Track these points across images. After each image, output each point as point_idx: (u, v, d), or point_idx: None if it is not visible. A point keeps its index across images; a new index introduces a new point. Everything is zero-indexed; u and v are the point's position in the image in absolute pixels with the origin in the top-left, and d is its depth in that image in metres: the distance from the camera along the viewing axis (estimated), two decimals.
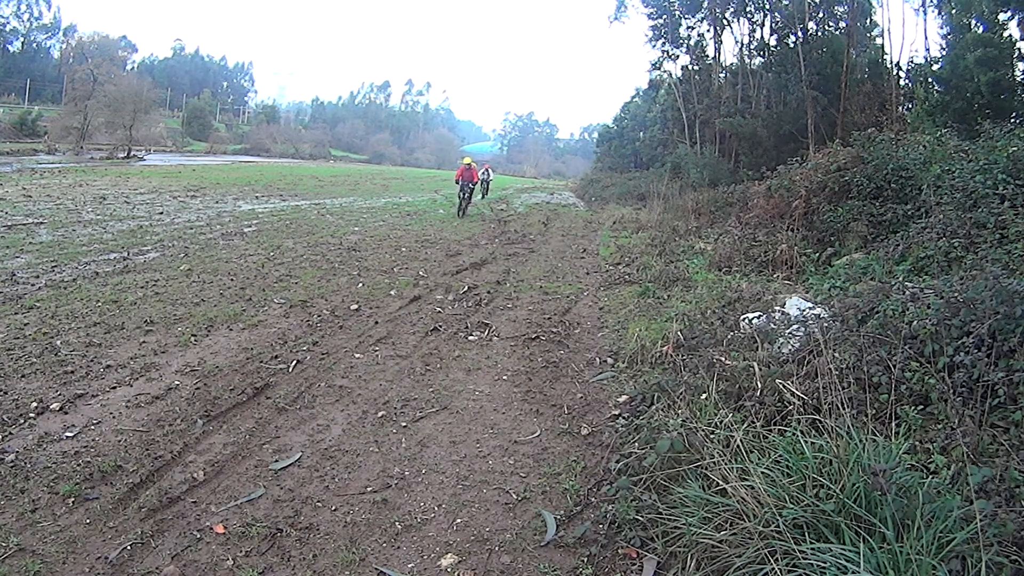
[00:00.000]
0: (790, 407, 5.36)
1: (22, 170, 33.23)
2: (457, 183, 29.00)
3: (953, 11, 28.22)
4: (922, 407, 5.20)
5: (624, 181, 48.39)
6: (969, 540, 3.60)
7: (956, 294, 6.04)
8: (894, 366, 5.48)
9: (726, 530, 4.12)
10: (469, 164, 29.38)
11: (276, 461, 5.90)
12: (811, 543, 3.76)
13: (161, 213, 20.81)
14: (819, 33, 36.30)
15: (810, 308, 7.63)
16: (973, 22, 26.47)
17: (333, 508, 5.21)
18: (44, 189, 24.58)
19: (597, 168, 71.25)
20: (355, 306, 11.10)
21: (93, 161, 46.96)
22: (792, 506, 3.97)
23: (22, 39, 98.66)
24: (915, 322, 5.91)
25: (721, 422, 5.14)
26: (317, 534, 4.86)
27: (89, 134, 55.91)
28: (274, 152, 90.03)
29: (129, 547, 4.56)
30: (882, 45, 35.33)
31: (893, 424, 4.84)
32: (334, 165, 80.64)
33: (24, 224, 16.43)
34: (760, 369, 6.07)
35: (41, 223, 16.83)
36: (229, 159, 70.05)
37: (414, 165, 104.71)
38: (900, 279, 8.33)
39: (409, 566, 4.57)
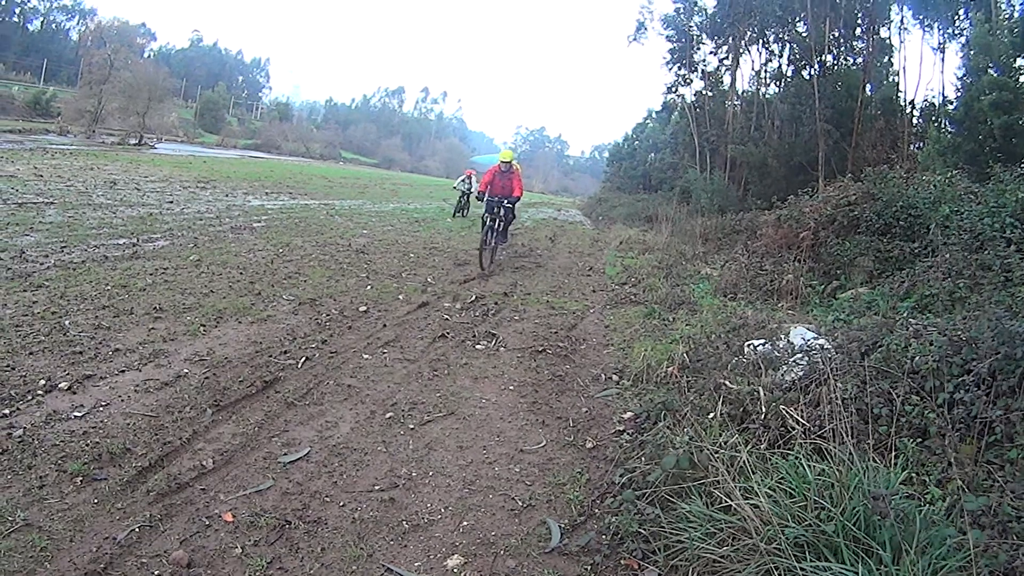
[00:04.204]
0: (793, 432, 5.43)
1: (34, 149, 33.22)
2: (483, 199, 17.62)
3: (971, 53, 28.27)
4: (920, 440, 5.26)
5: (632, 202, 48.43)
6: (962, 567, 3.70)
7: (959, 332, 6.10)
8: (895, 399, 5.55)
9: (728, 546, 4.19)
10: (510, 163, 17.82)
11: (285, 454, 5.96)
12: (811, 562, 3.84)
13: (171, 202, 20.86)
14: (836, 67, 36.36)
15: (814, 338, 7.67)
16: (990, 66, 26.51)
17: (341, 504, 5.27)
18: (55, 170, 24.60)
19: (606, 188, 71.19)
20: (364, 308, 11.15)
21: (104, 146, 46.95)
22: (794, 525, 4.06)
23: (42, 19, 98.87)
24: (917, 358, 5.97)
25: (726, 442, 5.23)
26: (325, 528, 4.92)
27: (102, 118, 55.96)
28: (285, 150, 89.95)
29: (137, 529, 4.59)
30: (897, 83, 35.38)
31: (892, 455, 4.90)
32: (344, 167, 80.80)
33: (35, 203, 16.49)
34: (765, 394, 6.14)
35: (51, 203, 16.88)
36: (239, 153, 70.04)
37: (423, 172, 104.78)
38: (904, 315, 8.40)
39: (416, 564, 4.62)
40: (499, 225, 17.67)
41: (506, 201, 17.59)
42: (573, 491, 5.76)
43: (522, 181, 18.53)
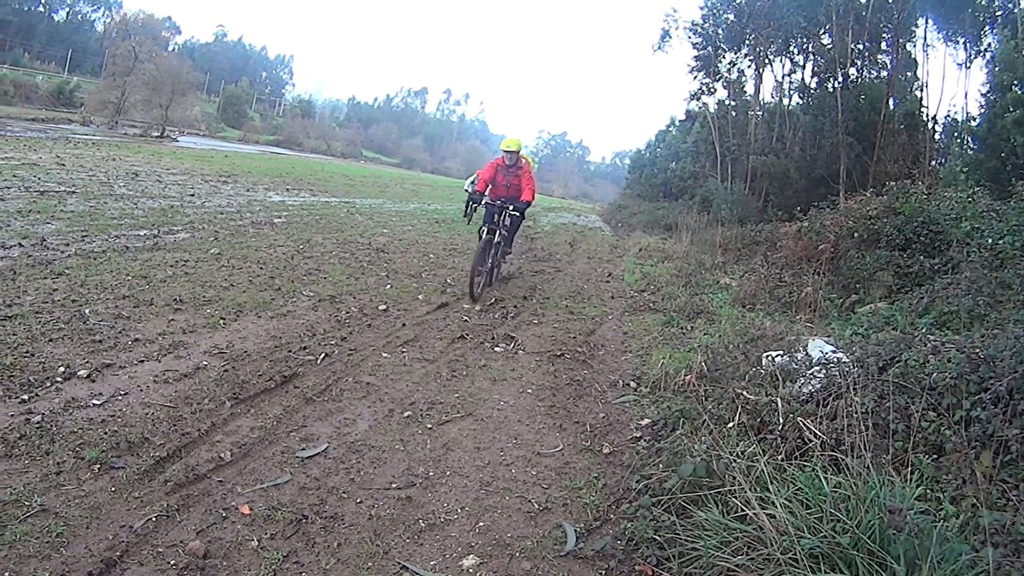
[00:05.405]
0: (810, 444, 5.44)
1: (57, 138, 33.33)
2: (480, 201, 13.96)
3: (996, 70, 28.18)
4: (936, 456, 5.27)
5: (652, 210, 48.17)
6: None
7: (977, 350, 6.08)
8: (912, 415, 5.55)
9: (743, 555, 4.21)
10: (516, 153, 13.90)
11: (303, 449, 6.00)
12: (826, 573, 3.87)
13: (192, 195, 20.87)
14: (859, 80, 36.26)
15: (832, 351, 7.65)
16: (1014, 83, 26.40)
17: (358, 500, 5.30)
18: (77, 159, 24.61)
19: (626, 194, 70.78)
20: (383, 307, 11.19)
21: (127, 137, 47.03)
22: (810, 537, 4.07)
23: (67, 9, 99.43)
24: (935, 374, 5.95)
25: (743, 452, 5.25)
26: (342, 524, 4.95)
27: (125, 110, 55.90)
28: (306, 147, 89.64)
29: (154, 519, 4.63)
30: (920, 98, 35.28)
31: (908, 470, 4.89)
32: (365, 165, 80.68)
33: (56, 191, 16.53)
34: (782, 405, 6.14)
35: (73, 192, 16.94)
36: (261, 148, 69.89)
37: (443, 174, 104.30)
38: (923, 331, 8.38)
39: (431, 563, 4.65)
40: (500, 239, 13.67)
41: (511, 206, 13.60)
42: (589, 496, 5.78)
43: (534, 179, 14.26)
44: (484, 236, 13.31)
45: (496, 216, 13.47)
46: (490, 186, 14.07)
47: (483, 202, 13.77)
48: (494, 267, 14.16)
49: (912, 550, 3.89)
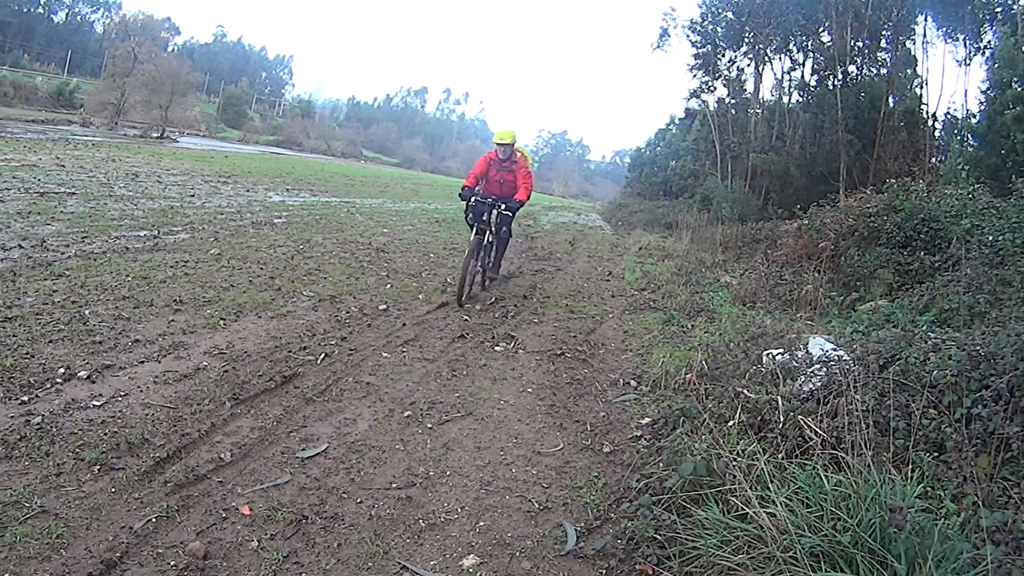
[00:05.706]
0: (810, 442, 5.43)
1: (56, 140, 33.27)
2: (468, 200, 12.49)
3: (996, 66, 28.17)
4: (937, 454, 5.26)
5: (652, 208, 48.00)
6: None
7: (978, 347, 6.06)
8: (913, 412, 5.55)
9: (744, 553, 4.20)
10: (511, 146, 12.86)
11: (303, 449, 6.00)
12: (826, 571, 3.87)
13: (192, 196, 20.80)
14: (859, 78, 36.28)
15: (832, 349, 7.64)
16: (1014, 79, 26.39)
17: (358, 500, 5.30)
18: (77, 160, 24.53)
19: (626, 193, 70.65)
20: (383, 306, 11.17)
21: (126, 138, 46.89)
22: (810, 535, 4.06)
23: (67, 10, 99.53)
24: (935, 371, 5.94)
25: (744, 451, 5.24)
26: (342, 524, 4.95)
27: (124, 111, 55.75)
28: (306, 147, 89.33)
29: (154, 519, 4.63)
30: (920, 95, 35.29)
31: (908, 468, 4.89)
32: (365, 165, 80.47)
33: (56, 193, 16.49)
34: (783, 404, 6.13)
35: (73, 193, 16.90)
36: (261, 149, 69.69)
37: (444, 173, 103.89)
38: (923, 329, 8.36)
39: (432, 563, 4.64)
40: (491, 239, 12.89)
41: (503, 204, 12.44)
42: (589, 495, 5.78)
43: (531, 177, 13.03)
44: (473, 237, 12.24)
45: (486, 214, 12.40)
46: (483, 181, 12.97)
47: (472, 200, 12.46)
48: (486, 269, 13.43)
49: (913, 548, 3.89)
